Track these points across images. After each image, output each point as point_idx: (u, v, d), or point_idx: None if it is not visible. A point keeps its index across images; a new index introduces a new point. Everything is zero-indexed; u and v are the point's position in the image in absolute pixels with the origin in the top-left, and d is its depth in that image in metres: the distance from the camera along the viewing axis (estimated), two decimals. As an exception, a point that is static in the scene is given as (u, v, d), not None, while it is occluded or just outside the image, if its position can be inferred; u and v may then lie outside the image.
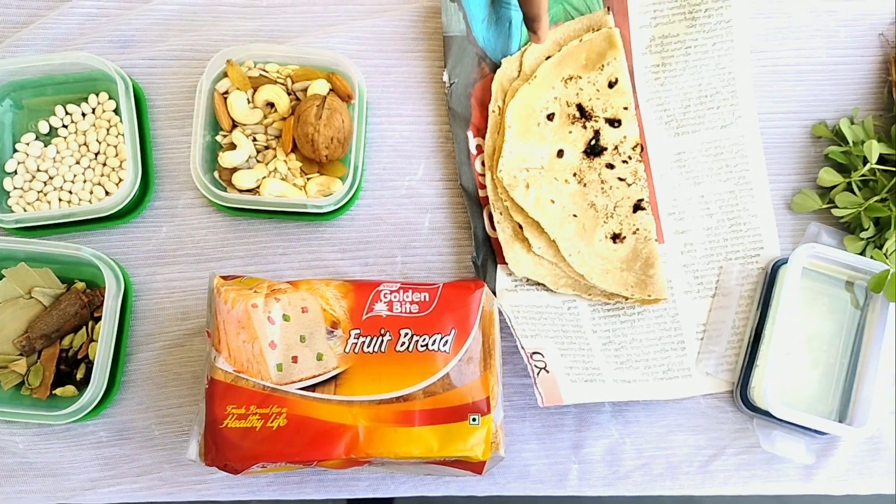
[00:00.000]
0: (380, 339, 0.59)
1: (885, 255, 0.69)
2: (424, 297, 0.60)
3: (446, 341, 0.59)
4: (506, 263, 0.70)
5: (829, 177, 0.73)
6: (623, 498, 0.71)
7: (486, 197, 0.71)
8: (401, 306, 0.59)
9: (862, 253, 0.71)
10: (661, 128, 0.74)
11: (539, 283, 0.71)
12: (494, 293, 0.69)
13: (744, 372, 0.69)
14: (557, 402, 0.65)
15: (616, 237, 0.71)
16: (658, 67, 0.74)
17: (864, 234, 0.70)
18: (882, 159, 0.72)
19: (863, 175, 0.72)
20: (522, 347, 0.65)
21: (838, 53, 0.76)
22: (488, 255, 0.71)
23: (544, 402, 0.64)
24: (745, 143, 0.73)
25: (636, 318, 0.71)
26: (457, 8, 0.72)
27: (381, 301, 0.59)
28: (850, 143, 0.73)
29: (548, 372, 0.65)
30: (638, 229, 0.71)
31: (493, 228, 0.71)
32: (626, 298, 0.70)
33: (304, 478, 0.67)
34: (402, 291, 0.60)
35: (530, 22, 0.67)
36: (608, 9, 0.74)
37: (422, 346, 0.58)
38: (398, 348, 0.58)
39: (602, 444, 0.69)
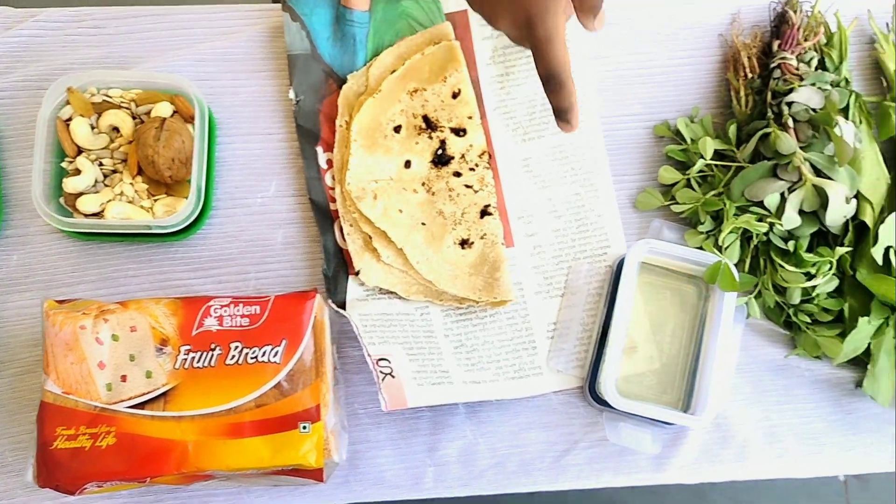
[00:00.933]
0: (210, 353, 0.60)
1: (720, 246, 0.72)
2: (255, 310, 0.61)
3: (276, 352, 0.60)
4: (357, 274, 0.72)
5: (668, 174, 0.75)
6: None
7: (337, 210, 0.73)
8: (231, 320, 0.61)
9: (702, 247, 0.73)
10: (509, 135, 0.76)
11: (391, 292, 0.72)
12: (343, 305, 0.71)
13: (592, 367, 0.71)
14: (402, 405, 0.66)
15: (464, 243, 0.73)
16: (502, 77, 0.76)
17: (702, 228, 0.73)
18: (720, 155, 0.75)
19: (700, 171, 0.74)
20: (369, 355, 0.66)
21: (680, 55, 0.79)
22: (340, 266, 0.72)
23: (388, 407, 0.65)
24: (589, 147, 0.76)
25: (488, 321, 0.73)
26: (299, 27, 0.74)
27: (211, 316, 0.60)
28: (689, 141, 0.75)
29: (393, 377, 0.67)
30: (485, 234, 0.73)
31: (345, 240, 0.72)
32: (476, 302, 0.72)
33: (158, 496, 0.68)
34: (232, 306, 0.61)
35: (564, 113, 0.63)
36: (450, 22, 0.76)
37: (252, 358, 0.60)
38: (228, 362, 0.60)
39: (456, 446, 0.71)
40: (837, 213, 0.69)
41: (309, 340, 0.61)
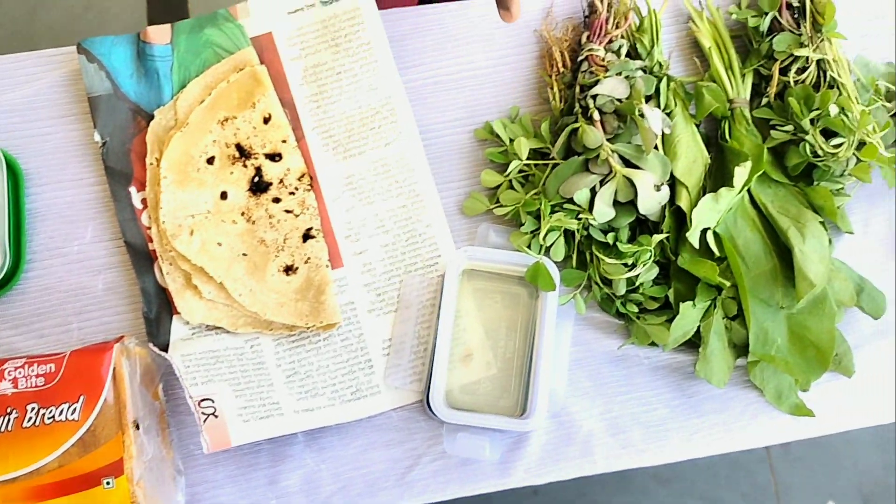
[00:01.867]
0: (6, 418, 0.58)
1: (541, 246, 0.71)
2: (50, 368, 0.60)
3: (75, 409, 0.59)
4: (180, 313, 0.70)
5: (490, 177, 0.75)
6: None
7: (156, 250, 0.72)
8: (26, 381, 0.59)
9: (529, 247, 0.72)
10: (329, 154, 0.75)
11: (218, 327, 0.71)
12: (166, 348, 0.69)
13: (429, 380, 0.71)
14: (225, 445, 0.65)
15: (289, 269, 0.72)
16: (317, 96, 0.75)
17: (524, 229, 0.72)
18: (539, 154, 0.75)
19: (522, 171, 0.74)
20: (190, 396, 0.65)
21: (497, 55, 0.78)
22: (163, 307, 0.71)
23: (210, 448, 0.64)
24: (410, 157, 0.75)
25: (322, 345, 0.72)
26: (97, 68, 0.72)
27: (5, 380, 0.59)
28: (508, 142, 0.75)
29: (216, 417, 0.66)
30: (310, 258, 0.72)
31: (165, 280, 0.71)
32: (306, 328, 0.71)
33: (-7, 561, 0.67)
34: (27, 366, 0.60)
35: None
36: (256, 45, 0.75)
37: (49, 418, 0.59)
38: (25, 424, 0.58)
39: (298, 475, 0.70)
40: (649, 202, 0.69)
41: (109, 393, 0.60)
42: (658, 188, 0.69)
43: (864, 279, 0.74)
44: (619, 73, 0.72)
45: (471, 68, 0.78)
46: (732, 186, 0.70)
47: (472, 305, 0.73)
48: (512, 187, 0.74)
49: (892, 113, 0.76)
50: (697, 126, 0.77)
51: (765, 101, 0.76)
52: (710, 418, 0.73)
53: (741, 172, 0.70)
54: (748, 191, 0.73)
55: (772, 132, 0.75)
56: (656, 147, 0.71)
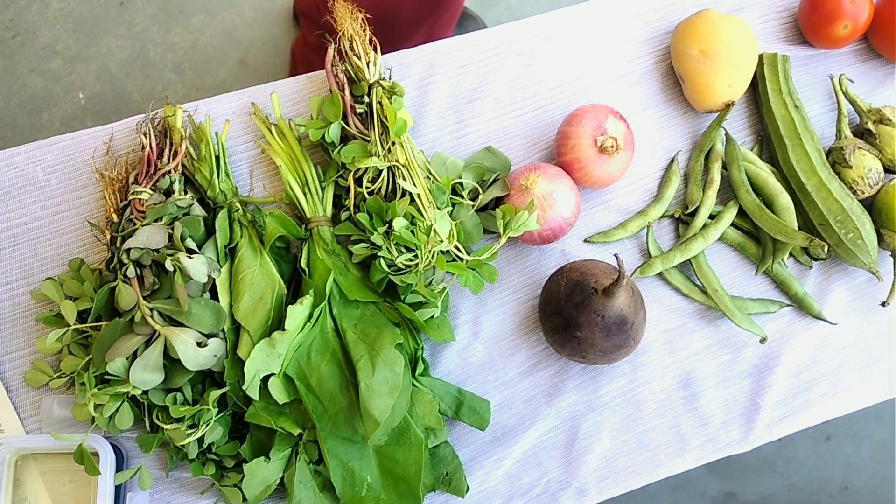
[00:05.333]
0: None
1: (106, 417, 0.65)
2: None
3: None
4: None
5: (44, 345, 0.68)
6: None
7: None
8: None
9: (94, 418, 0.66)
10: None
11: None
12: None
13: (-8, 587, 0.64)
14: None
15: None
16: None
17: (79, 400, 0.66)
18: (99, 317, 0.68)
19: (84, 332, 0.68)
20: None
21: (54, 203, 0.72)
22: None
23: None
24: (-44, 335, 0.68)
25: None
26: None
27: None
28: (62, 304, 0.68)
29: None
30: None
31: None
32: None
33: None
34: None
35: None
36: None
37: None
38: None
39: None
40: (197, 359, 0.64)
41: None
42: (203, 344, 0.64)
43: (463, 392, 0.70)
44: (160, 219, 0.66)
45: (25, 221, 0.71)
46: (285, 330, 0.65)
47: (40, 490, 0.66)
48: (72, 353, 0.68)
49: (475, 208, 0.73)
50: (282, 249, 0.72)
51: (346, 214, 0.72)
52: (320, 566, 0.68)
53: (297, 311, 0.65)
54: (332, 317, 0.69)
55: (353, 248, 0.70)
56: (213, 292, 0.66)
